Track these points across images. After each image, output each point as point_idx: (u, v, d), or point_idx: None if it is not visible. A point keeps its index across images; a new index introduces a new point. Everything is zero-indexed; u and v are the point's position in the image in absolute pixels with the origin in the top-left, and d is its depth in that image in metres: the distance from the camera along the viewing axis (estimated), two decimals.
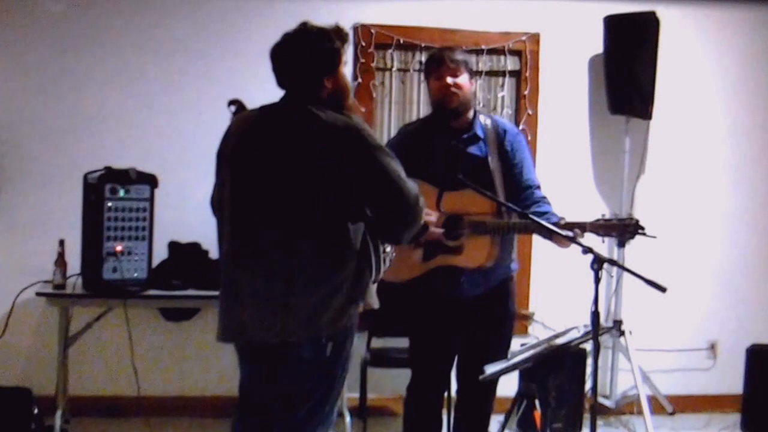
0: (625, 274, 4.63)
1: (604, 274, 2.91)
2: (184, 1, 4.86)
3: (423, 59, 5.02)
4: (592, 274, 2.85)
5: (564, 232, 3.15)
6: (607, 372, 5.17)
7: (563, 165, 5.05)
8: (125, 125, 4.80)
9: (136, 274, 4.20)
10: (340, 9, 4.82)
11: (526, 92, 5.11)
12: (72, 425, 4.54)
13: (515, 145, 3.53)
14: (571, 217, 3.42)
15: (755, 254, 5.35)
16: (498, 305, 3.57)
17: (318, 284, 2.67)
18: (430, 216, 3.33)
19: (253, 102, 2.99)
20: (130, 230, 4.18)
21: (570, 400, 4.60)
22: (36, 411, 4.28)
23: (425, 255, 3.48)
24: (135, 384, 4.21)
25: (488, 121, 3.56)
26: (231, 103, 3.02)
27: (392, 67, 5.05)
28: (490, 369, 3.11)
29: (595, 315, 2.85)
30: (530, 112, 5.11)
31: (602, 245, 4.69)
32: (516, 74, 5.15)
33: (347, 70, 2.90)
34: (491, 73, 5.08)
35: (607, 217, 3.45)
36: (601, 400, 5.03)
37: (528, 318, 5.10)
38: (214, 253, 4.41)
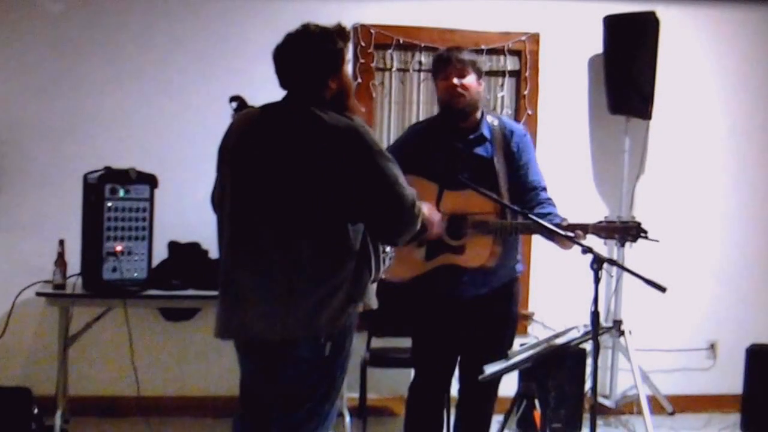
0: (625, 274, 4.63)
1: (603, 274, 2.91)
2: (184, 1, 4.86)
3: (423, 59, 5.05)
4: (591, 273, 2.85)
5: (564, 233, 3.15)
6: (606, 372, 5.17)
7: (563, 165, 5.05)
8: (125, 125, 4.81)
9: (135, 274, 4.20)
10: (340, 9, 4.80)
11: (525, 92, 5.11)
12: (72, 425, 4.54)
13: (521, 146, 3.53)
14: (570, 217, 3.42)
15: (755, 254, 5.35)
16: (501, 306, 3.57)
17: (318, 284, 2.67)
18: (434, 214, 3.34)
19: (253, 102, 2.99)
20: (130, 230, 4.18)
21: (570, 400, 4.61)
22: (36, 411, 4.28)
23: (428, 254, 3.49)
24: (135, 384, 4.22)
25: (495, 122, 3.56)
26: (232, 99, 3.03)
27: (392, 67, 5.05)
28: (490, 369, 3.11)
29: (595, 315, 2.85)
30: (530, 112, 5.11)
31: (602, 245, 4.73)
32: (516, 74, 5.15)
33: (347, 70, 2.90)
34: (491, 73, 5.08)
35: (610, 219, 3.45)
36: (600, 400, 5.03)
37: (528, 318, 5.10)
38: (213, 253, 4.41)
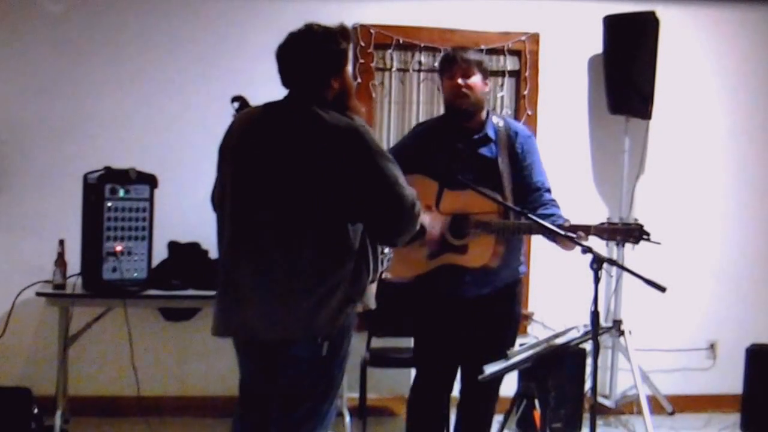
0: (625, 274, 4.63)
1: (603, 273, 2.91)
2: (184, 1, 4.86)
3: (423, 59, 5.05)
4: (591, 273, 2.85)
5: (565, 233, 3.15)
6: (606, 372, 5.17)
7: (563, 165, 5.04)
8: (125, 125, 4.81)
9: (135, 274, 4.20)
10: (340, 9, 4.80)
11: (525, 92, 5.11)
12: (72, 425, 4.54)
13: (526, 147, 3.54)
14: (570, 217, 3.43)
15: (755, 254, 5.35)
16: (503, 307, 3.57)
17: (317, 284, 2.68)
18: (434, 228, 3.35)
19: (254, 102, 2.99)
20: (130, 230, 4.18)
21: (569, 400, 4.61)
22: (36, 411, 4.28)
23: (431, 253, 3.49)
24: (135, 384, 4.21)
25: (501, 123, 3.56)
26: (234, 99, 3.04)
27: (392, 67, 5.05)
28: (490, 369, 3.11)
29: (595, 315, 2.85)
30: (530, 113, 5.11)
31: (602, 245, 4.72)
32: (515, 74, 5.15)
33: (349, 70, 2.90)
34: (491, 73, 5.07)
35: (612, 220, 3.45)
36: (600, 400, 5.03)
37: (528, 318, 5.10)
38: (213, 253, 4.40)
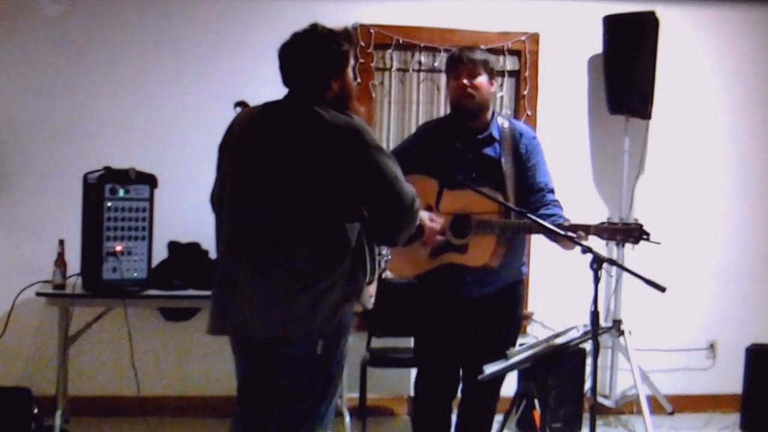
0: (625, 274, 4.63)
1: (603, 273, 2.91)
2: (184, 2, 4.86)
3: (422, 59, 5.06)
4: (591, 273, 2.85)
5: (565, 233, 3.15)
6: (606, 372, 5.17)
7: (562, 165, 5.03)
8: (125, 125, 4.81)
9: (135, 274, 4.20)
10: (340, 9, 4.82)
11: (525, 92, 5.11)
12: (72, 425, 4.54)
13: (530, 148, 3.54)
14: (570, 216, 3.43)
15: (755, 254, 5.35)
16: (504, 307, 3.57)
17: (314, 282, 2.68)
18: (434, 223, 3.35)
19: (254, 102, 2.99)
20: (130, 230, 4.18)
21: (569, 400, 4.61)
22: (36, 411, 4.29)
23: (432, 252, 3.49)
24: (135, 384, 4.21)
25: (506, 124, 3.57)
26: (237, 104, 3.04)
27: (391, 67, 5.06)
28: (490, 369, 3.11)
29: (595, 315, 2.85)
30: (529, 113, 5.11)
31: (602, 245, 4.72)
32: (515, 74, 5.15)
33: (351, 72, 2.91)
34: None
35: (612, 221, 3.46)
36: (600, 399, 5.03)
37: (527, 318, 5.10)
38: (213, 253, 4.36)
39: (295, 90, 2.81)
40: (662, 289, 2.77)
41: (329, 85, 2.77)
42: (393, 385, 5.03)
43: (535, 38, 5.10)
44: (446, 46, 4.90)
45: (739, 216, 5.33)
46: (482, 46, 4.90)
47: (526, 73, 5.10)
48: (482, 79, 3.48)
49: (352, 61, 2.84)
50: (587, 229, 3.29)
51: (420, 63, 5.07)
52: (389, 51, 5.01)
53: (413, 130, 4.71)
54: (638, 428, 4.89)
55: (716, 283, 5.29)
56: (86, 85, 4.79)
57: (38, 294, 4.28)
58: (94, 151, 4.63)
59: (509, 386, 4.00)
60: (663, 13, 4.85)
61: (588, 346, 3.26)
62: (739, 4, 5.25)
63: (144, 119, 4.82)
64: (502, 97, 5.14)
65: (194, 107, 4.81)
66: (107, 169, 4.19)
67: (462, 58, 3.48)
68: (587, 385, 4.70)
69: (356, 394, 4.60)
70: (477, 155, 3.50)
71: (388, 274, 4.54)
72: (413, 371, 3.74)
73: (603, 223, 3.37)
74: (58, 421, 4.26)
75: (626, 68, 4.86)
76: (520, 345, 3.31)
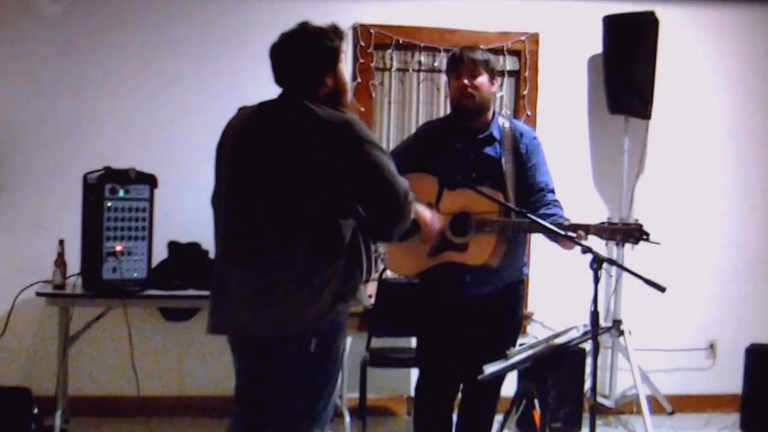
0: (625, 274, 4.63)
1: (603, 273, 2.91)
2: (183, 2, 4.87)
3: (422, 59, 5.06)
4: (591, 273, 2.85)
5: (565, 233, 3.15)
6: (606, 372, 5.17)
7: (562, 165, 5.02)
8: (125, 125, 4.81)
9: (135, 274, 4.20)
10: (340, 9, 4.82)
11: (525, 92, 5.12)
12: (72, 425, 4.54)
13: (530, 148, 3.54)
14: (570, 217, 3.43)
15: (755, 254, 5.35)
16: (505, 307, 3.57)
17: (309, 279, 2.69)
18: (434, 221, 3.35)
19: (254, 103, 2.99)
20: (130, 230, 4.18)
21: (569, 400, 4.61)
22: (36, 411, 4.29)
23: (432, 250, 3.49)
24: (135, 384, 4.20)
25: (506, 124, 3.57)
26: (241, 109, 3.03)
27: (391, 67, 5.06)
28: (489, 369, 3.11)
29: (595, 315, 2.85)
30: (529, 113, 5.11)
31: (602, 245, 4.72)
32: (515, 74, 5.15)
33: (347, 69, 2.91)
34: None
35: (612, 221, 3.45)
36: (600, 399, 5.03)
37: (527, 318, 5.10)
38: (213, 253, 4.40)
39: (288, 88, 2.83)
40: (662, 289, 2.77)
41: (322, 82, 2.78)
42: (393, 385, 5.03)
43: (535, 38, 5.11)
44: (446, 46, 4.91)
45: (739, 216, 5.33)
46: (482, 46, 4.93)
47: (526, 73, 5.11)
48: (483, 79, 3.48)
49: (343, 57, 2.84)
50: (587, 229, 3.29)
51: (420, 63, 5.07)
52: (389, 51, 5.01)
53: (413, 130, 4.72)
54: (638, 428, 4.89)
55: (716, 283, 5.29)
56: (86, 85, 4.79)
57: (38, 294, 4.27)
58: (94, 151, 4.63)
59: (509, 386, 4.01)
60: (663, 13, 4.85)
61: (588, 346, 3.27)
62: (739, 4, 5.25)
63: (144, 119, 4.82)
64: (502, 97, 5.14)
65: (194, 107, 4.81)
66: (107, 169, 4.19)
67: (463, 58, 3.49)
68: (587, 385, 4.70)
69: (356, 394, 4.60)
70: (477, 155, 3.50)
71: (388, 274, 4.57)
72: (413, 371, 3.75)
73: (603, 223, 3.37)
74: (58, 421, 4.26)
75: (626, 68, 4.86)
76: (520, 345, 3.31)
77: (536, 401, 3.22)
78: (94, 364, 4.82)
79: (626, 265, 3.28)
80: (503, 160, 3.49)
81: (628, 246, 3.57)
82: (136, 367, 4.16)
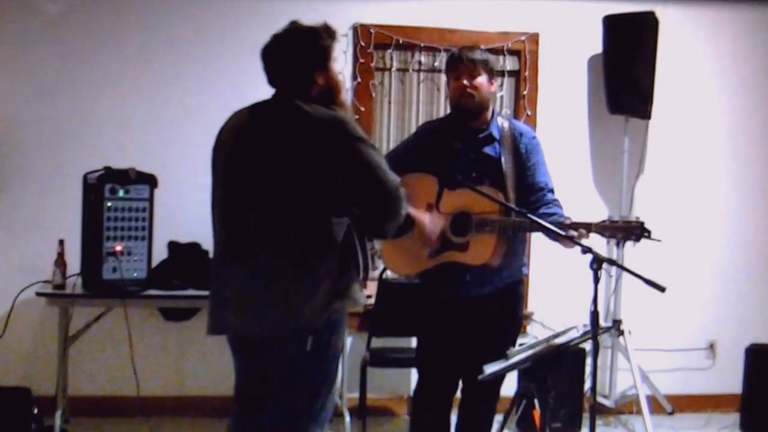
0: (625, 274, 4.63)
1: (603, 273, 2.91)
2: (183, 2, 4.87)
3: (422, 59, 5.06)
4: (591, 273, 2.85)
5: (565, 233, 3.15)
6: (606, 372, 5.17)
7: (562, 165, 5.03)
8: (125, 125, 4.81)
9: (135, 274, 4.20)
10: (340, 9, 4.83)
11: (525, 92, 5.12)
12: (72, 425, 4.54)
13: (530, 148, 3.54)
14: (570, 217, 3.42)
15: (755, 254, 5.35)
16: (505, 307, 3.57)
17: (302, 279, 2.70)
18: (434, 224, 3.35)
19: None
20: (130, 230, 4.18)
21: (569, 400, 4.61)
22: (36, 411, 4.29)
23: (432, 251, 3.49)
24: (135, 384, 4.21)
25: (506, 124, 3.57)
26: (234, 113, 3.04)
27: (391, 67, 5.06)
28: (489, 369, 3.11)
29: (595, 315, 2.85)
30: (529, 113, 5.11)
31: (602, 245, 4.72)
32: (515, 74, 5.15)
33: (346, 70, 2.92)
34: None
35: (614, 219, 3.45)
36: (600, 399, 5.03)
37: (527, 318, 5.10)
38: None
39: (281, 88, 2.84)
40: (662, 289, 2.77)
41: (313, 81, 2.79)
42: (393, 385, 5.03)
43: (534, 38, 5.11)
44: (446, 46, 4.91)
45: (739, 216, 5.33)
46: (482, 46, 4.93)
47: (526, 73, 5.11)
48: (482, 79, 3.48)
49: (335, 56, 2.85)
50: (588, 227, 3.29)
51: (420, 63, 5.07)
52: (389, 51, 5.01)
53: (413, 130, 4.71)
54: (638, 428, 4.89)
55: (716, 283, 5.30)
56: (86, 85, 4.79)
57: (38, 294, 4.28)
58: (94, 151, 4.63)
59: (509, 386, 4.00)
60: (663, 13, 4.85)
61: (588, 346, 3.27)
62: (739, 4, 5.25)
63: (144, 119, 4.82)
64: (502, 97, 5.14)
65: (194, 107, 4.81)
66: (107, 169, 4.19)
67: (462, 58, 3.49)
68: (587, 385, 4.70)
69: (356, 394, 4.60)
70: (477, 155, 3.50)
71: (388, 274, 4.57)
72: (413, 371, 3.75)
73: (604, 221, 3.37)
74: (58, 421, 4.26)
75: (626, 68, 4.86)
76: (520, 345, 3.31)
77: (536, 401, 3.22)
78: (93, 364, 4.82)
79: (626, 265, 3.29)
80: (503, 159, 3.49)
81: (628, 246, 3.58)
82: (136, 367, 4.17)
